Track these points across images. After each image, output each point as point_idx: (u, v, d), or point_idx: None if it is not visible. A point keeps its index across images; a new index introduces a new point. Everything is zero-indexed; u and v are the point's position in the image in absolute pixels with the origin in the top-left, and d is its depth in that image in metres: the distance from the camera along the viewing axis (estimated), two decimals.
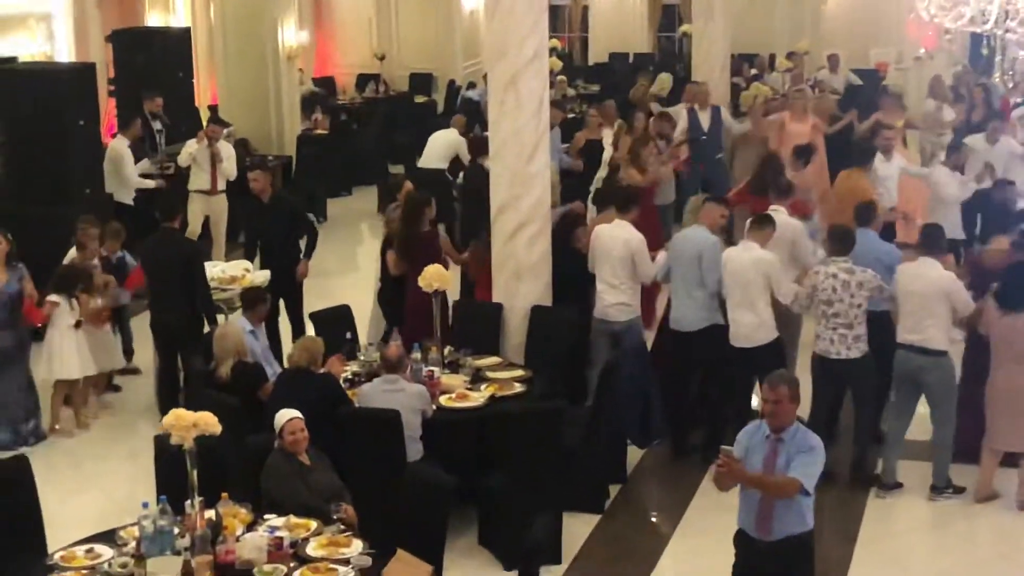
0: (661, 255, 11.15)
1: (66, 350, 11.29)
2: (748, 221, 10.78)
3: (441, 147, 17.87)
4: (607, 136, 16.71)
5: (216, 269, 12.42)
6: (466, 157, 16.95)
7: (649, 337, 11.61)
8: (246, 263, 12.70)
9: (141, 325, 12.40)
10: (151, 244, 11.88)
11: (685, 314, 10.73)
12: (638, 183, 13.66)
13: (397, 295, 11.47)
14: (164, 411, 10.48)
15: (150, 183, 15.81)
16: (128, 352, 12.83)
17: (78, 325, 11.32)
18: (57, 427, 11.48)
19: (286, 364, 9.91)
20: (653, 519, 10.17)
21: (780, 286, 10.41)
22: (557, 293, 11.18)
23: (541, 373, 10.34)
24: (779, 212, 11.24)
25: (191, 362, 10.84)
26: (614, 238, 10.97)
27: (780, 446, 7.13)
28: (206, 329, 11.24)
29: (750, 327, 10.38)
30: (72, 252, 11.95)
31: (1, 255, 11.04)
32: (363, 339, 11.39)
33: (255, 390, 9.55)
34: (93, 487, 10.63)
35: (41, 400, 11.48)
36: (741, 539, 7.40)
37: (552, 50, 25.24)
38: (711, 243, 10.63)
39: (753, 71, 23.28)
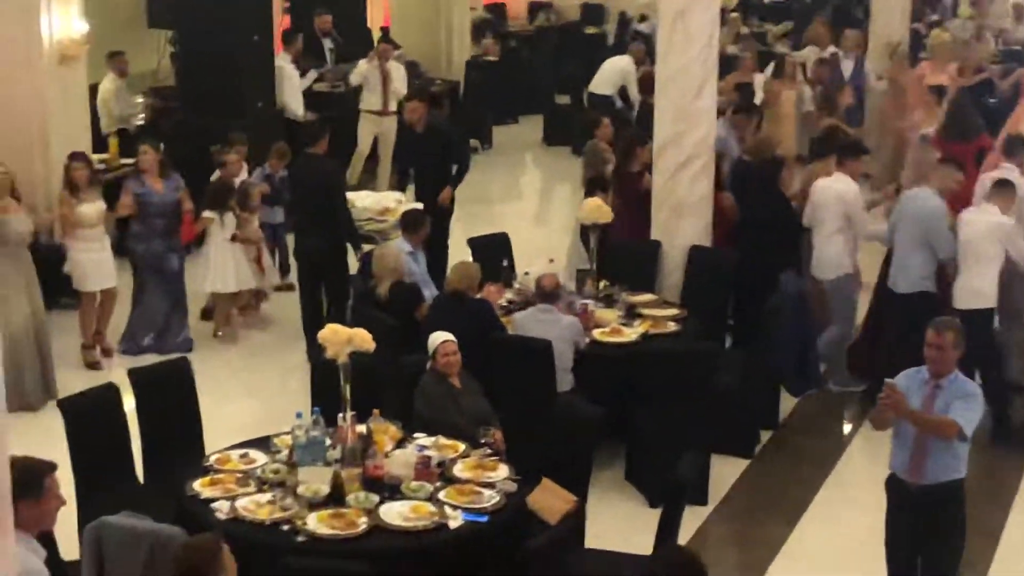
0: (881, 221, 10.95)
1: (220, 264, 11.59)
2: (991, 184, 10.44)
3: (611, 73, 17.95)
4: (759, 80, 16.11)
5: (369, 200, 12.47)
6: (635, 92, 16.86)
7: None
8: (398, 194, 12.73)
9: None
10: (295, 169, 11.97)
11: (900, 275, 10.44)
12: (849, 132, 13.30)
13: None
14: (309, 336, 10.71)
15: (300, 113, 15.78)
16: (284, 268, 13.06)
17: (234, 239, 11.58)
18: (220, 334, 11.85)
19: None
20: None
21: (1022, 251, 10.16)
22: (759, 240, 11.04)
23: (697, 313, 10.27)
24: (1012, 171, 10.90)
25: (334, 288, 11.03)
26: (827, 190, 10.85)
27: (938, 391, 7.05)
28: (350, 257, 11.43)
29: (971, 292, 10.09)
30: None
31: (154, 165, 11.34)
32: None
33: (412, 310, 9.64)
34: (250, 395, 10.93)
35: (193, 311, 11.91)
36: (892, 483, 7.31)
37: None
38: (938, 207, 10.30)
39: (935, 17, 22.67)
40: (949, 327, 7.14)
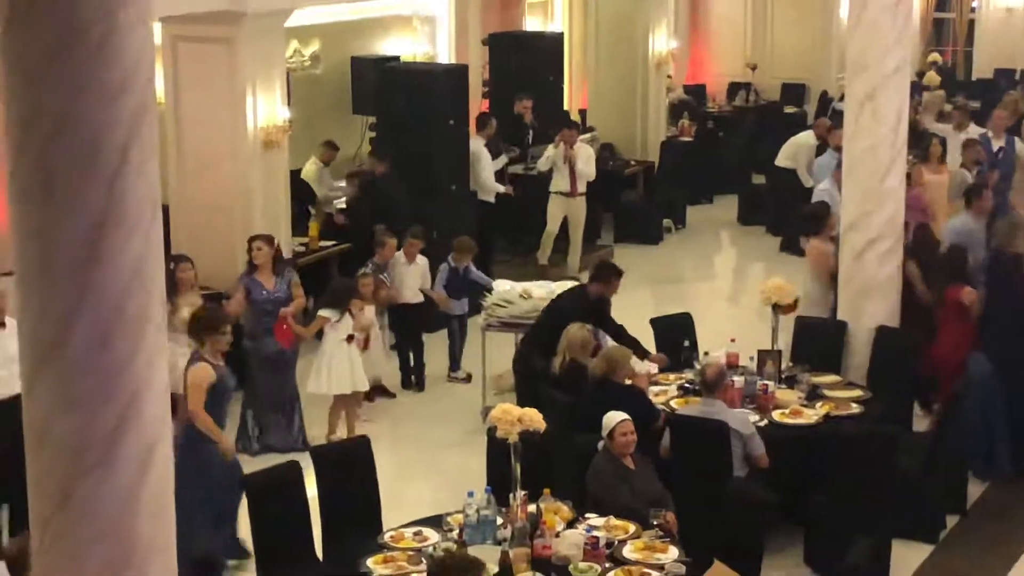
0: None
1: (337, 366, 11.13)
2: None
3: (791, 147, 17.99)
4: None
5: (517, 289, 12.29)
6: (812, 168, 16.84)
7: None
8: (551, 284, 12.54)
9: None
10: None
11: None
12: None
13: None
14: None
15: (500, 188, 16.02)
16: (456, 361, 13.03)
17: (350, 339, 11.13)
18: (332, 438, 11.17)
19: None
20: None
21: None
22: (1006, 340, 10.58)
23: (881, 396, 10.08)
24: None
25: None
26: None
27: None
28: None
29: None
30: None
31: (267, 261, 11.03)
32: None
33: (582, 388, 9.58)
34: (431, 474, 10.90)
35: (309, 410, 11.39)
36: None
37: (932, 64, 24.58)
38: None
39: None
40: None
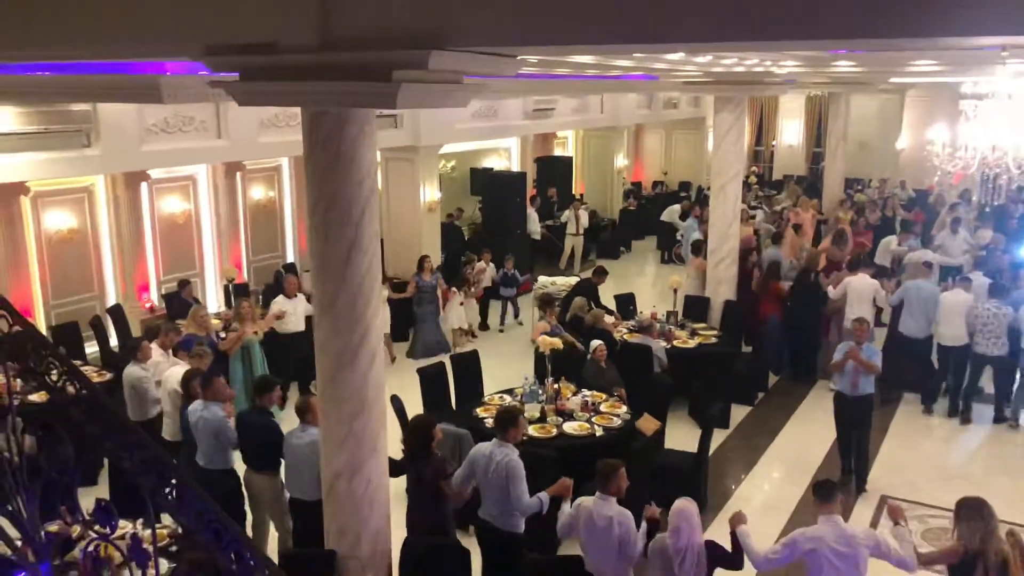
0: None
1: (453, 315, 11.13)
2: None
3: (668, 211, 17.89)
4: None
5: (562, 279, 11.98)
6: (678, 223, 16.60)
7: None
8: (577, 278, 12.25)
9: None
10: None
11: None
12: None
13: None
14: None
15: (539, 231, 15.73)
16: (516, 313, 12.47)
17: (461, 304, 11.18)
18: (456, 348, 11.13)
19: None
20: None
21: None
22: (798, 309, 10.00)
23: (727, 333, 9.89)
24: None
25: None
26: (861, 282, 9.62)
27: (861, 350, 7.16)
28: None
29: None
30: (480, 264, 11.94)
31: (429, 267, 10.86)
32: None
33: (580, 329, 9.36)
34: (508, 368, 10.59)
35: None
36: (839, 397, 7.34)
37: (752, 172, 24.03)
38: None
39: (858, 187, 21.26)
40: (865, 320, 7.32)
